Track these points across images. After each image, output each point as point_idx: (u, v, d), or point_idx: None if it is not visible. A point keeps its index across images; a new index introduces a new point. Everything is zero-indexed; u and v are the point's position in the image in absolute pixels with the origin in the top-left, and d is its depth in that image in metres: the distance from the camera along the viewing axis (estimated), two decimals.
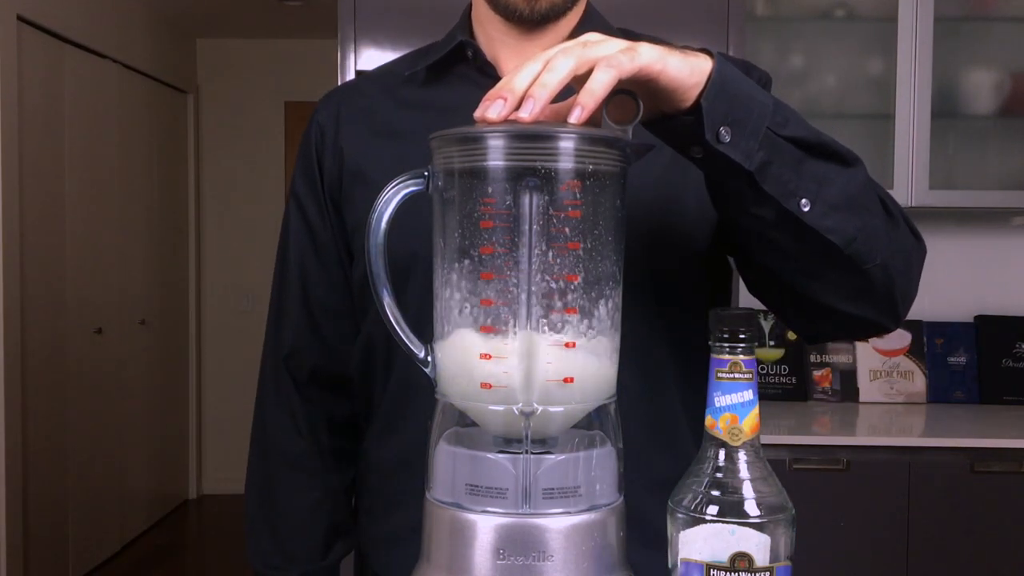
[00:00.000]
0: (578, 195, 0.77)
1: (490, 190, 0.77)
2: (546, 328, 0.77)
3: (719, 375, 0.74)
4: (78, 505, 4.12)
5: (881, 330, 1.00)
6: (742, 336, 0.73)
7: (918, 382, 2.88)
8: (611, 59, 0.74)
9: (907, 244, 0.96)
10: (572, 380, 0.78)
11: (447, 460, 0.80)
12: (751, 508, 0.74)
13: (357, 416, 1.22)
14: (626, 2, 1.42)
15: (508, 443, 0.79)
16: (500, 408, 0.78)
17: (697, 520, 0.74)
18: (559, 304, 0.77)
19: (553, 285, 0.77)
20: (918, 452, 2.40)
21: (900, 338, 2.90)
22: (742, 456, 0.75)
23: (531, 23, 1.06)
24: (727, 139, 0.80)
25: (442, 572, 0.79)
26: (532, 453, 0.77)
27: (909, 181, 2.66)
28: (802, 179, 0.85)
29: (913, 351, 2.89)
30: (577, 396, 0.79)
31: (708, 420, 0.75)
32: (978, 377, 2.88)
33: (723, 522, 0.73)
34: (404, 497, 1.07)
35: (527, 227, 0.76)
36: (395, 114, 1.11)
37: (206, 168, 5.66)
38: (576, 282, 0.78)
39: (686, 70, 0.78)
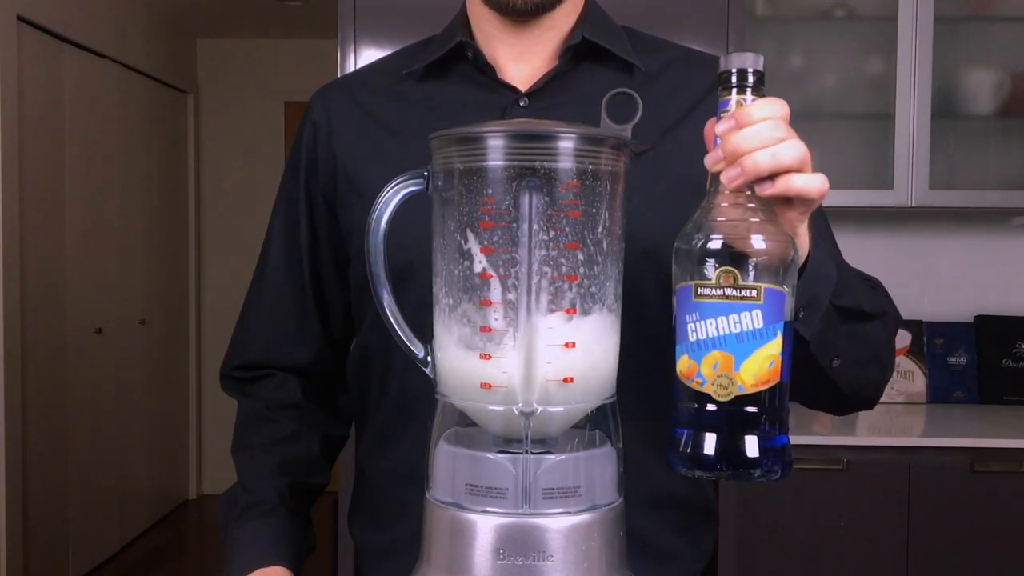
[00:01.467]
0: (578, 195, 0.77)
1: (490, 190, 0.77)
2: (546, 328, 0.77)
3: (722, 115, 0.76)
4: (78, 505, 4.12)
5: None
6: (750, 74, 0.75)
7: (918, 382, 2.88)
8: (821, 190, 0.78)
9: (889, 376, 1.05)
10: (572, 380, 0.78)
11: (447, 460, 0.80)
12: (757, 241, 0.73)
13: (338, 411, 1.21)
14: (627, 1, 1.42)
15: (508, 443, 0.79)
16: (500, 408, 0.78)
17: (703, 254, 0.73)
18: (559, 304, 0.77)
19: (553, 285, 0.77)
20: (918, 452, 2.39)
21: (900, 338, 2.90)
22: (747, 193, 0.75)
23: (526, 14, 1.04)
24: (800, 316, 0.85)
25: (442, 572, 0.79)
26: (532, 453, 0.77)
27: (909, 181, 2.66)
28: (841, 339, 0.92)
29: (913, 351, 2.89)
30: (577, 396, 0.79)
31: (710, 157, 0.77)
32: (978, 377, 2.88)
33: (725, 250, 0.72)
34: (404, 508, 1.06)
35: (527, 227, 0.76)
36: (393, 111, 1.09)
37: (206, 168, 5.66)
38: (576, 282, 0.78)
39: (805, 235, 0.83)
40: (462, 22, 1.09)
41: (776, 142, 0.75)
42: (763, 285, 0.71)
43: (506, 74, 1.07)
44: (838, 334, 0.92)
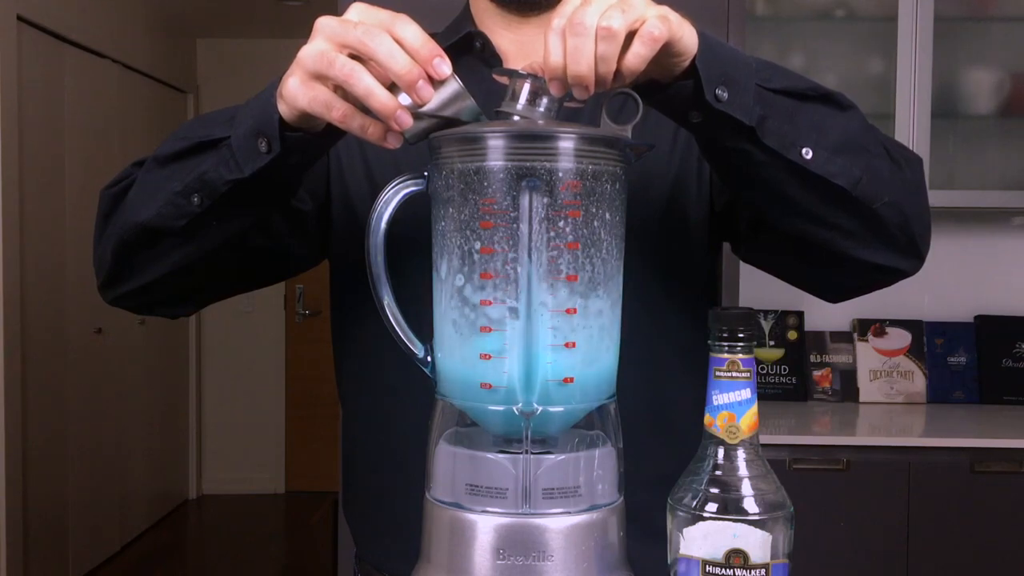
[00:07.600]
0: (578, 195, 0.77)
1: (490, 190, 0.77)
2: (546, 328, 0.77)
3: (717, 374, 0.75)
4: (78, 505, 4.12)
5: (902, 275, 0.98)
6: (740, 335, 0.74)
7: (918, 382, 2.88)
8: (654, 25, 0.75)
9: (914, 180, 0.95)
10: (572, 380, 0.78)
11: (447, 460, 0.80)
12: (750, 505, 0.74)
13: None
14: None
15: (508, 443, 0.79)
16: (500, 408, 0.78)
17: (697, 517, 0.75)
18: (559, 304, 0.77)
19: (553, 285, 0.77)
20: (918, 452, 2.39)
21: (900, 338, 2.90)
22: (741, 454, 0.75)
23: (524, 6, 1.05)
24: (725, 98, 0.81)
25: (442, 572, 0.79)
26: (532, 453, 0.77)
27: None
28: (799, 128, 0.86)
29: (913, 351, 2.89)
30: (577, 396, 0.79)
31: (707, 418, 0.76)
32: (978, 377, 2.88)
33: (722, 519, 0.74)
34: (398, 489, 1.06)
35: (527, 227, 0.76)
36: None
37: None
38: (576, 282, 0.78)
39: (689, 35, 0.79)
40: (467, 19, 1.11)
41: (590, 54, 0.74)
42: (772, 561, 0.75)
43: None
44: (792, 122, 0.85)
